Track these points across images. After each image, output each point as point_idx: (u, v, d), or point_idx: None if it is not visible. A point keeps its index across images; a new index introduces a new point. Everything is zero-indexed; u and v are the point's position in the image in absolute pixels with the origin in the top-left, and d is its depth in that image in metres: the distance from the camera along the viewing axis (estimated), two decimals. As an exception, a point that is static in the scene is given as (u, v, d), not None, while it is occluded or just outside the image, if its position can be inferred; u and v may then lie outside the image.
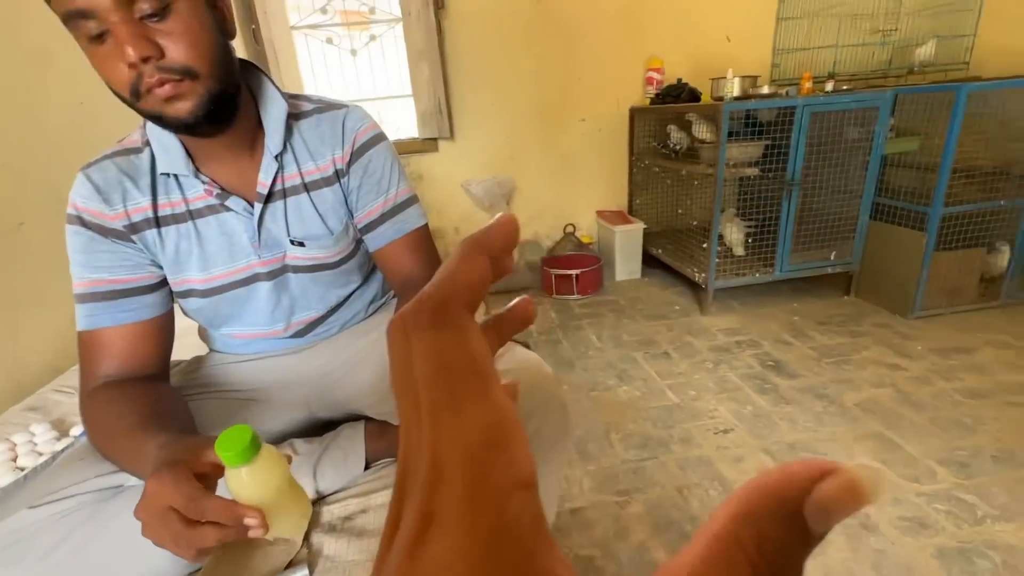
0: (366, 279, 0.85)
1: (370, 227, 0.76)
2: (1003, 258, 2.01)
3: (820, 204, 2.14)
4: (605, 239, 2.79)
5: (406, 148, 2.60)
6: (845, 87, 2.23)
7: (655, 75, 2.57)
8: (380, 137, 0.76)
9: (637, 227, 2.64)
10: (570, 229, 2.73)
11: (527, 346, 0.78)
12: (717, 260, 2.14)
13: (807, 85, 2.09)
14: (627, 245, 2.67)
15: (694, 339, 2.00)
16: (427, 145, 2.60)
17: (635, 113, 2.70)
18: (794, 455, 1.33)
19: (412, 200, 0.78)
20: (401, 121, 2.71)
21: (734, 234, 2.37)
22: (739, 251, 2.36)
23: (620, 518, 1.17)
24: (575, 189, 2.85)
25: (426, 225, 0.79)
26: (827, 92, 2.11)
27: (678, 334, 2.05)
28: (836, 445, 1.35)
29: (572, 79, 2.64)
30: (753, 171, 2.09)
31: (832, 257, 2.19)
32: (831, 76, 2.23)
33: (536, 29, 2.53)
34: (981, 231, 1.99)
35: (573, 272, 2.46)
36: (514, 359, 0.71)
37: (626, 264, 2.71)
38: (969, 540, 1.05)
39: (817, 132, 2.01)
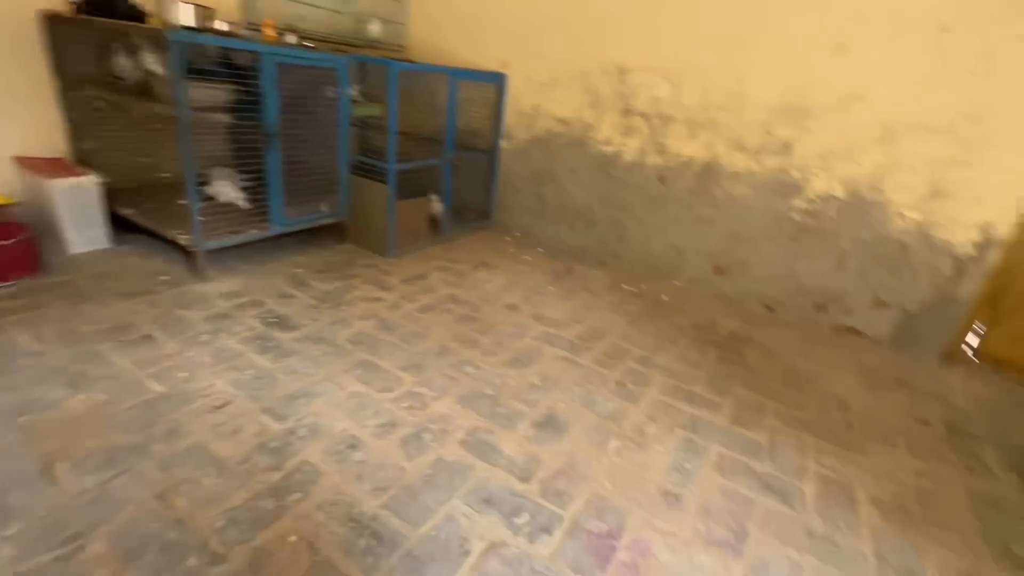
0: None
1: None
2: (438, 205, 2.70)
3: (307, 159, 2.21)
4: (38, 198, 1.99)
5: None
6: (311, 44, 2.33)
7: (72, -28, 1.91)
8: None
9: (88, 181, 2.00)
10: (-45, 184, 1.78)
11: None
12: (205, 219, 1.89)
13: (269, 32, 2.05)
14: (78, 205, 2.00)
15: (187, 312, 1.73)
16: None
17: (54, 23, 1.95)
18: (294, 405, 1.36)
19: None
20: None
21: (228, 190, 2.16)
22: (243, 206, 2.17)
23: (69, 571, 0.87)
24: (-43, 122, 1.86)
25: None
26: (290, 44, 2.13)
27: (166, 309, 1.73)
28: (330, 383, 1.48)
29: None
30: (225, 118, 1.92)
31: (323, 209, 2.35)
32: (293, 30, 2.27)
33: None
34: (427, 184, 2.58)
35: (-24, 249, 1.64)
36: None
37: (82, 231, 2.04)
38: (420, 423, 1.36)
39: (293, 86, 2.02)
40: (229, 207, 2.15)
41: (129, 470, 1.09)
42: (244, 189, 2.19)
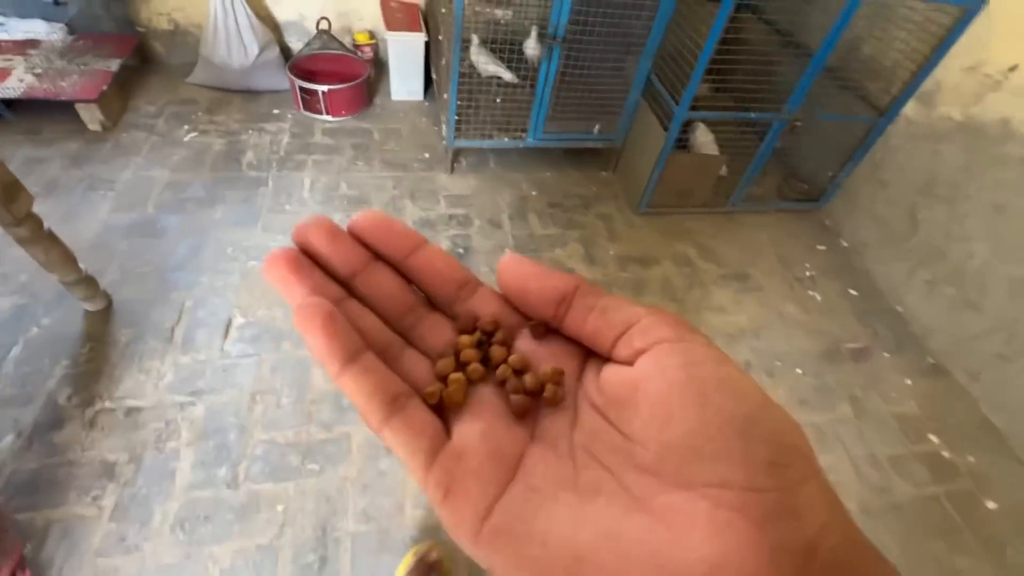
0: None
1: None
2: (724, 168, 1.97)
3: (589, 67, 1.81)
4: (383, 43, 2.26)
5: None
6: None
7: None
8: None
9: (417, 38, 2.14)
10: (324, 24, 2.14)
11: None
12: (459, 118, 1.84)
13: None
14: (405, 57, 2.20)
15: (413, 204, 1.86)
16: None
17: None
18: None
19: None
20: None
21: (488, 65, 1.93)
22: (509, 78, 1.94)
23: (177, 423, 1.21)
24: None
25: None
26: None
27: (402, 193, 1.89)
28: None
29: None
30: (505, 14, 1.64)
31: (595, 131, 1.99)
32: None
33: None
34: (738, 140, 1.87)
35: (321, 88, 2.03)
36: None
37: (405, 81, 2.28)
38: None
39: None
40: (477, 109, 1.95)
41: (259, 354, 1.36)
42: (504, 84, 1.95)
